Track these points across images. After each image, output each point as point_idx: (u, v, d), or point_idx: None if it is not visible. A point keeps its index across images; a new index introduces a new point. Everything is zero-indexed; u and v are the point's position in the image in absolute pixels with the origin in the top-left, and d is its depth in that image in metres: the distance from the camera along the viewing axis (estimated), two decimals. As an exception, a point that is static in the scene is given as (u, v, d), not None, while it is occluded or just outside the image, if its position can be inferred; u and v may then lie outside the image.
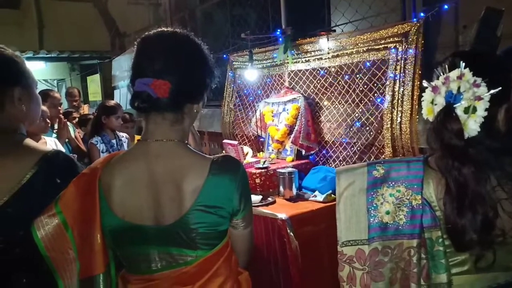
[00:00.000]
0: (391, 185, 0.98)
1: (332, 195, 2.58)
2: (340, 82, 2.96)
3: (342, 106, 2.96)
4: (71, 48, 7.84)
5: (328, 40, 2.98)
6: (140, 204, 1.00)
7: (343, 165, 2.92)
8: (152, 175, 1.01)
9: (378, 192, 0.99)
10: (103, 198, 1.00)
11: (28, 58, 7.04)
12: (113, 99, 5.66)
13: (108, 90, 7.20)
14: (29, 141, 1.12)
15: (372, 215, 0.98)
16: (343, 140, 2.95)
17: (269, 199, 2.68)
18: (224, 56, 4.16)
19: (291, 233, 2.30)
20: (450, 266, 0.94)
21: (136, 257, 1.02)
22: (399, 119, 2.51)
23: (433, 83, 0.98)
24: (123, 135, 3.43)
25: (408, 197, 0.96)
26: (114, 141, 3.29)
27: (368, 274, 0.97)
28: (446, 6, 2.44)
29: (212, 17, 6.01)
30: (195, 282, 1.00)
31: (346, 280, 1.00)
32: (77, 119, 4.39)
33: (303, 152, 3.11)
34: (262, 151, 3.48)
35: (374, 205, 0.98)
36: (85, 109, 5.27)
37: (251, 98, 3.90)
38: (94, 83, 7.61)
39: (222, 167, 1.02)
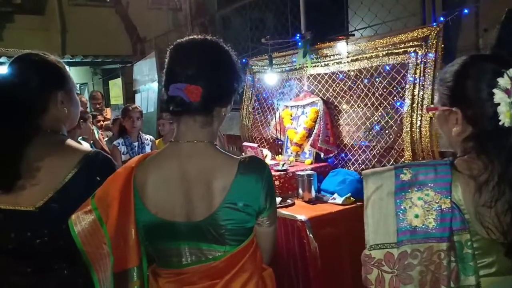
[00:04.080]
0: (419, 188, 0.99)
1: (351, 198, 2.60)
2: (359, 86, 2.99)
3: (361, 109, 2.99)
4: (93, 53, 8.04)
5: (347, 44, 3.01)
6: (172, 201, 1.06)
7: (362, 168, 2.95)
8: (184, 174, 1.06)
9: (406, 195, 0.99)
10: (138, 195, 1.06)
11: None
12: (134, 103, 5.80)
13: (129, 93, 7.35)
14: (71, 142, 1.20)
15: (400, 218, 0.99)
16: (362, 143, 2.97)
17: (288, 201, 2.72)
18: (243, 60, 4.23)
19: (311, 235, 2.33)
20: (478, 268, 0.96)
21: (167, 251, 1.08)
22: (418, 123, 2.52)
23: (503, 86, 0.97)
24: (148, 138, 3.52)
25: (437, 201, 0.97)
26: (135, 143, 3.38)
27: (397, 277, 0.98)
28: (466, 10, 2.45)
29: (231, 21, 6.10)
30: (223, 277, 1.05)
31: (375, 283, 1.00)
32: (100, 122, 4.52)
33: (322, 155, 3.14)
34: (281, 154, 3.52)
35: (403, 208, 0.99)
36: (108, 112, 5.41)
37: (269, 101, 3.96)
38: (116, 87, 7.77)
39: (249, 167, 1.08)
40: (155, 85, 6.00)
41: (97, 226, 1.07)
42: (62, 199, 1.10)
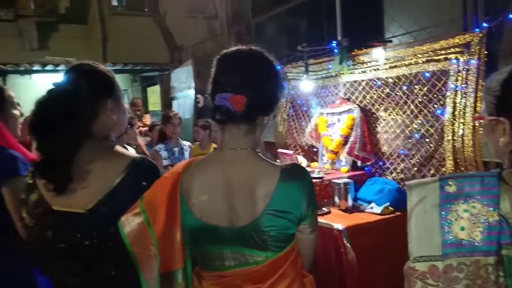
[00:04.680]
0: (465, 201, 0.96)
1: (390, 208, 2.56)
2: (397, 93, 2.94)
3: (400, 117, 2.93)
4: (133, 61, 8.32)
5: (385, 50, 2.98)
6: (216, 207, 1.09)
7: (401, 177, 2.89)
8: (227, 180, 1.09)
9: (452, 208, 0.97)
10: (183, 200, 1.10)
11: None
12: (171, 109, 5.95)
13: (166, 100, 7.55)
14: (119, 147, 1.25)
15: (446, 231, 0.96)
16: (401, 151, 2.92)
17: (324, 209, 2.70)
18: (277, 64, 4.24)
19: (348, 244, 2.31)
20: None
21: (211, 255, 1.11)
22: (461, 131, 2.45)
23: None
24: (186, 144, 3.62)
25: (484, 214, 0.94)
26: (176, 149, 3.47)
27: None
28: (511, 15, 2.36)
29: (265, 29, 6.15)
30: (265, 281, 1.07)
31: None
32: (140, 128, 4.68)
33: (359, 163, 3.11)
34: (316, 161, 3.51)
35: (448, 221, 0.97)
36: (147, 119, 5.58)
37: (304, 108, 3.96)
38: (154, 93, 8.01)
39: (291, 174, 1.09)
40: (191, 92, 6.13)
41: (145, 228, 1.11)
42: (111, 203, 1.15)
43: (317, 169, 3.07)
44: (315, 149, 3.64)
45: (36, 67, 6.34)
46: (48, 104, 1.18)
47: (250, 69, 1.12)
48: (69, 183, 1.16)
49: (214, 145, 4.85)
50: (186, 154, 3.53)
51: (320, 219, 2.51)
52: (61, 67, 6.36)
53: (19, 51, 8.75)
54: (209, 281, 1.12)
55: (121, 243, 1.09)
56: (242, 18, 6.08)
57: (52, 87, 1.21)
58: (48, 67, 6.43)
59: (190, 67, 6.17)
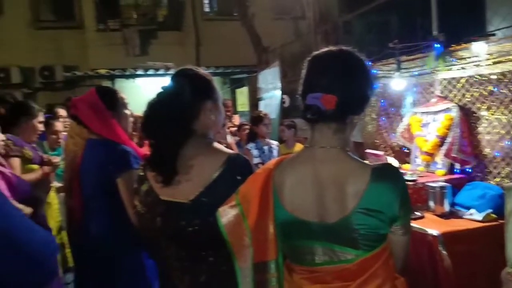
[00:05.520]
0: None
1: (492, 215, 2.36)
2: (502, 91, 2.69)
3: (504, 116, 2.68)
4: (224, 64, 8.69)
5: (488, 45, 2.74)
6: (307, 202, 1.12)
7: (506, 182, 2.64)
8: (318, 177, 1.12)
9: None
10: (276, 194, 1.15)
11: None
12: (257, 109, 6.12)
13: (253, 101, 7.77)
14: (217, 144, 1.36)
15: None
16: (506, 154, 2.66)
17: (417, 213, 2.58)
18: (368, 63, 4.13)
19: (444, 251, 2.18)
20: None
21: (301, 249, 1.14)
22: None
23: None
24: (274, 143, 3.72)
25: None
26: (265, 147, 3.59)
27: None
28: None
29: (354, 27, 6.02)
30: (355, 279, 1.08)
31: None
32: (230, 128, 4.90)
33: (457, 166, 2.90)
34: (408, 163, 3.35)
35: None
36: (236, 119, 5.81)
37: (395, 107, 3.80)
38: (242, 95, 8.29)
39: (384, 174, 1.09)
40: (278, 93, 6.23)
41: (240, 219, 1.18)
42: (210, 194, 1.25)
43: (410, 172, 2.94)
44: (407, 150, 3.48)
45: (139, 72, 6.97)
46: (156, 106, 1.32)
47: (341, 68, 1.13)
48: (175, 176, 1.28)
49: (298, 144, 4.89)
50: (275, 152, 3.64)
51: (413, 224, 2.40)
52: (160, 71, 6.91)
53: (124, 57, 9.67)
54: (300, 274, 1.16)
55: (218, 232, 1.18)
56: (329, 17, 6.01)
57: (160, 90, 1.35)
58: (150, 72, 7.02)
59: (276, 68, 6.28)
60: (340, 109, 1.10)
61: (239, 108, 8.44)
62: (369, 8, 4.97)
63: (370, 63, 4.05)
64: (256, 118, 3.77)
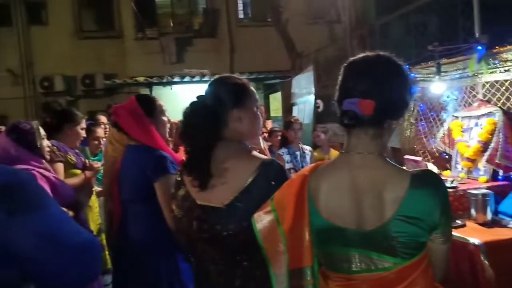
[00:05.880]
0: None
1: (540, 224, 2.23)
2: (552, 93, 2.55)
3: (554, 121, 2.54)
4: (257, 70, 8.76)
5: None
6: (343, 209, 1.11)
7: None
8: (354, 183, 1.10)
9: None
10: (311, 200, 1.15)
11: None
12: (291, 115, 6.11)
13: (287, 106, 7.76)
14: (251, 150, 1.37)
15: None
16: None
17: (458, 221, 2.48)
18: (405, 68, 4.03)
19: (486, 261, 2.09)
20: None
21: (338, 256, 1.13)
22: None
23: None
24: (307, 148, 3.69)
25: None
26: (298, 153, 3.57)
27: None
28: None
29: (391, 29, 5.90)
30: (393, 288, 1.05)
31: None
32: (263, 133, 4.91)
33: (500, 172, 2.77)
34: (448, 170, 3.23)
35: None
36: (269, 124, 5.82)
37: (434, 112, 3.68)
38: (275, 100, 8.30)
39: (423, 181, 1.06)
40: (311, 98, 6.20)
41: (274, 225, 1.18)
42: (245, 199, 1.26)
43: (450, 178, 2.83)
44: (447, 156, 3.36)
45: (175, 79, 7.15)
46: (189, 114, 1.36)
47: (378, 73, 1.12)
48: (209, 180, 1.31)
49: (333, 150, 4.82)
50: (308, 158, 3.60)
51: (454, 232, 2.31)
52: (196, 78, 7.05)
53: (161, 65, 9.95)
54: (335, 281, 1.14)
55: (253, 237, 1.19)
56: (366, 20, 5.92)
57: (194, 99, 1.38)
58: (186, 79, 7.18)
59: (310, 73, 6.25)
60: (377, 114, 1.09)
61: (272, 114, 8.45)
62: (408, 9, 4.85)
63: (408, 67, 3.97)
64: (286, 123, 3.79)
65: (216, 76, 1.46)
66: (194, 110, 1.35)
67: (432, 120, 3.71)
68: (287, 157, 3.52)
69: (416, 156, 3.63)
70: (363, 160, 1.12)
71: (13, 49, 10.44)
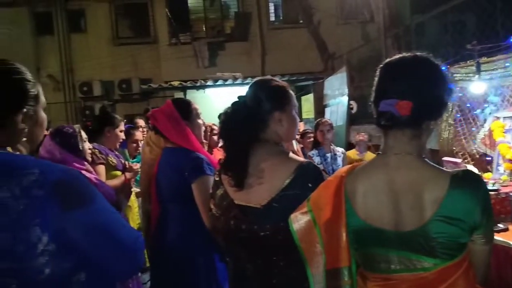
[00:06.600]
0: None
1: None
2: None
3: None
4: (289, 71, 8.75)
5: None
6: (381, 209, 1.10)
7: None
8: (392, 184, 1.10)
9: None
10: (348, 201, 1.15)
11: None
12: (323, 117, 6.06)
13: (319, 108, 7.71)
14: (289, 152, 1.39)
15: None
16: None
17: (500, 225, 2.39)
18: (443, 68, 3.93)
19: (531, 267, 2.00)
20: None
21: (375, 257, 1.12)
22: None
23: None
24: (339, 150, 3.66)
25: None
26: (329, 154, 3.55)
27: None
28: None
29: (427, 28, 5.75)
30: (433, 289, 1.04)
31: None
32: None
33: (546, 174, 2.65)
34: (490, 172, 3.12)
35: None
36: (301, 126, 5.80)
37: (475, 112, 3.56)
38: (307, 102, 8.26)
39: (464, 181, 1.05)
40: (344, 99, 6.13)
41: (311, 226, 1.19)
42: (282, 200, 1.28)
43: (492, 181, 2.73)
44: (488, 158, 3.24)
45: (208, 83, 7.26)
46: (228, 114, 1.39)
47: (415, 74, 1.11)
48: (245, 178, 1.33)
49: (369, 152, 4.75)
50: (339, 160, 3.57)
51: (496, 237, 2.23)
52: (229, 81, 7.14)
53: (195, 69, 10.15)
54: (374, 282, 1.13)
55: (289, 237, 1.20)
56: (400, 19, 5.80)
57: (236, 99, 1.42)
58: (218, 82, 7.28)
59: (344, 74, 6.19)
60: (415, 115, 1.08)
61: (304, 116, 8.41)
62: (445, 8, 4.72)
63: (445, 67, 3.86)
64: (315, 125, 3.79)
65: (257, 79, 1.49)
66: (236, 110, 1.38)
67: (472, 121, 3.59)
68: (317, 159, 3.50)
69: (455, 158, 3.52)
70: (401, 161, 1.11)
71: (55, 56, 10.96)
